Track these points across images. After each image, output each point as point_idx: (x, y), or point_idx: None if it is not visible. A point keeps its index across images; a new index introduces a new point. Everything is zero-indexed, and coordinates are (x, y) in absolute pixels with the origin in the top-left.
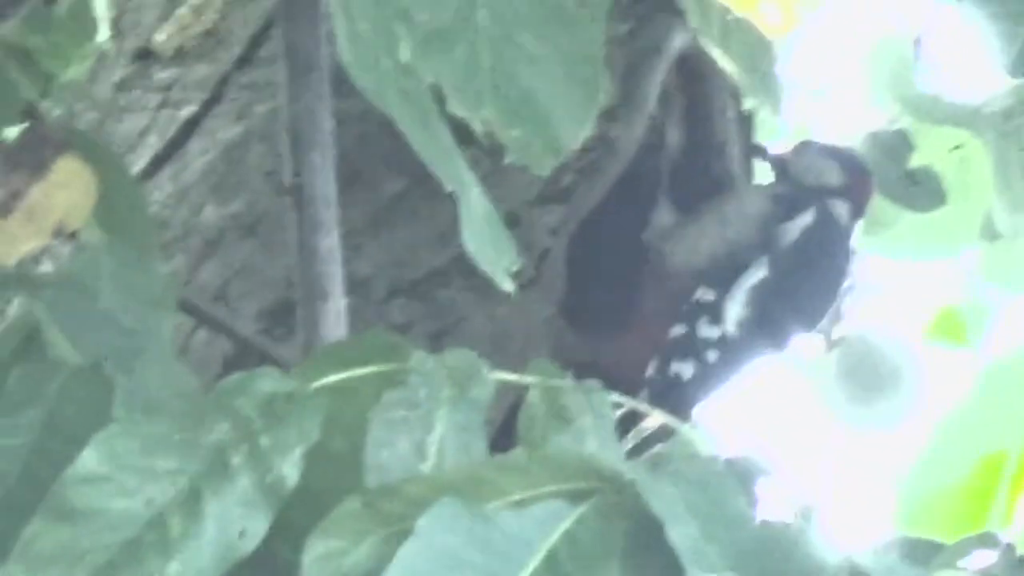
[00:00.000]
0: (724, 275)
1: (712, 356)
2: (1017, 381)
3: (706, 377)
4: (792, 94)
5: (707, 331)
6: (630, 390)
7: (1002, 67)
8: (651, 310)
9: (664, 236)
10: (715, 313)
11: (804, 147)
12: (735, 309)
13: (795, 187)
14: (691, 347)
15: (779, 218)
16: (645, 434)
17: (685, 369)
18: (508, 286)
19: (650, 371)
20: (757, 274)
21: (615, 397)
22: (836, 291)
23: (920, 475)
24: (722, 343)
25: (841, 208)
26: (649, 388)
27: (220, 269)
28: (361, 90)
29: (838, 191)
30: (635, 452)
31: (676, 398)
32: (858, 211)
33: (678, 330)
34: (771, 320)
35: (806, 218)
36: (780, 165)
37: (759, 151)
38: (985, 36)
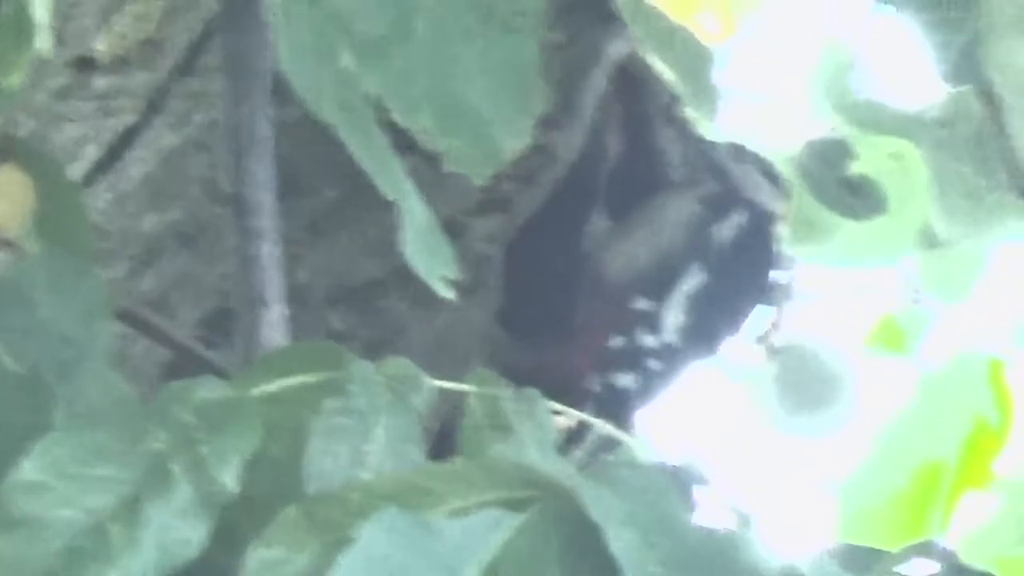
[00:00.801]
0: (660, 283)
1: (653, 365)
2: (955, 389)
3: (648, 386)
4: (730, 102)
5: (646, 340)
6: (571, 399)
7: (940, 75)
8: (590, 320)
9: (600, 245)
10: (653, 322)
11: (739, 154)
12: (673, 316)
13: (726, 188)
14: (631, 358)
15: (709, 221)
16: (591, 446)
17: (627, 380)
18: (447, 294)
19: (592, 384)
20: (692, 281)
21: (555, 406)
22: (765, 291)
23: (859, 483)
24: (662, 351)
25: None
26: (592, 401)
27: (159, 278)
28: (301, 98)
29: (770, 211)
30: (579, 463)
31: (619, 408)
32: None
33: (617, 341)
34: (709, 326)
35: (737, 219)
36: (714, 164)
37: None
38: (923, 44)
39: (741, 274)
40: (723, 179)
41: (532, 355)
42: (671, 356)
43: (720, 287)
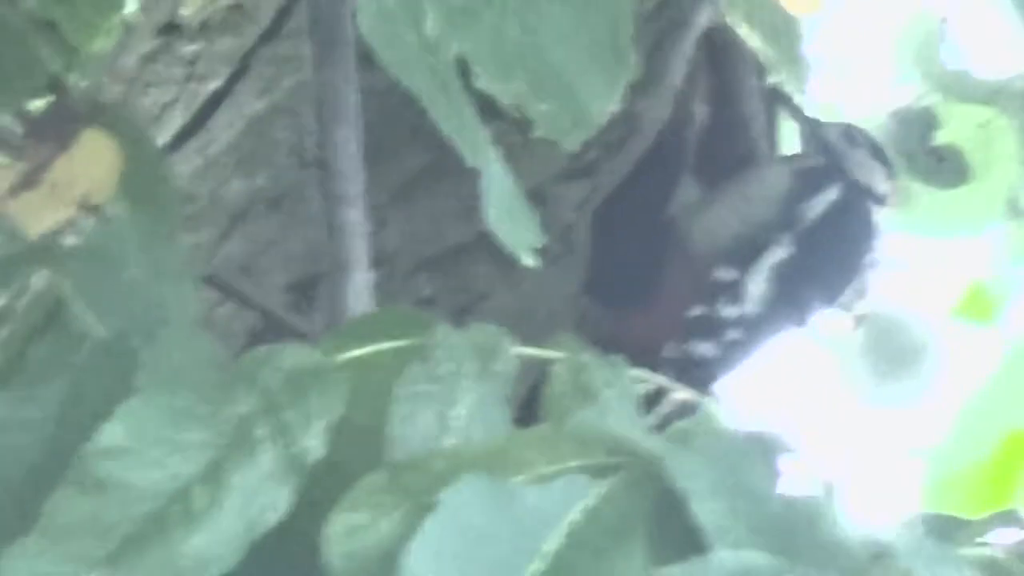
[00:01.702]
0: (746, 254)
1: (733, 335)
2: None
3: (727, 356)
4: (818, 71)
5: (727, 311)
6: (652, 366)
7: None
8: (674, 289)
9: (688, 214)
10: (735, 292)
11: (850, 136)
12: (756, 288)
13: (821, 161)
14: (711, 327)
15: (803, 195)
16: (667, 411)
17: (706, 349)
18: (531, 262)
19: (670, 351)
20: (780, 252)
21: (639, 372)
22: (859, 266)
23: (945, 452)
24: (743, 322)
25: (867, 182)
26: (670, 368)
27: (245, 243)
28: (384, 64)
29: (872, 192)
30: (658, 428)
31: (697, 377)
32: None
33: (699, 310)
34: (793, 298)
35: (830, 194)
36: (822, 141)
37: (797, 112)
38: (1011, 14)
39: (832, 249)
40: (823, 152)
41: (616, 322)
42: (752, 326)
43: (809, 262)
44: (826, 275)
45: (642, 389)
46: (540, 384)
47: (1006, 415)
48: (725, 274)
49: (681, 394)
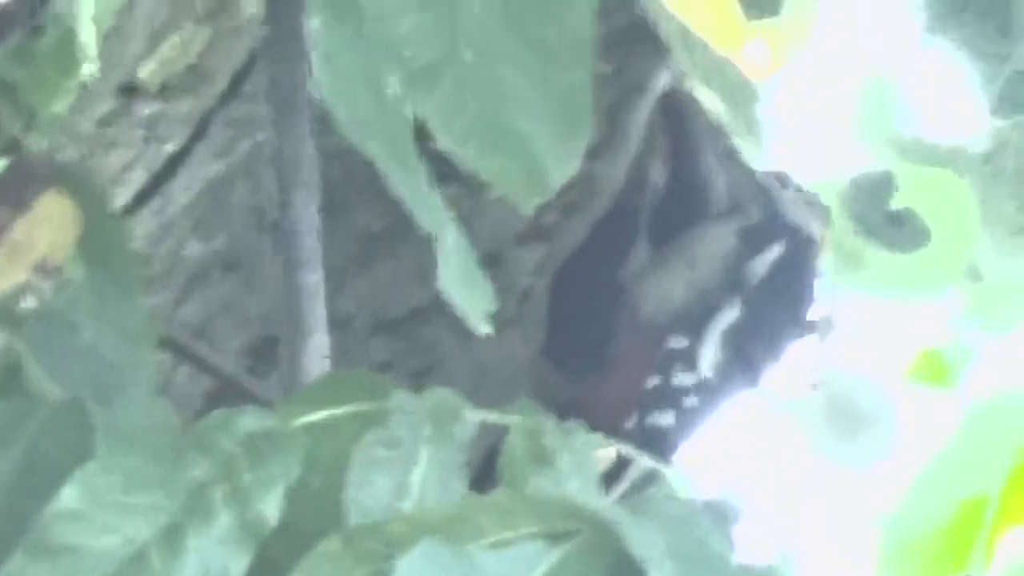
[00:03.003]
0: (696, 320)
1: (690, 402)
2: (999, 424)
3: (686, 424)
4: (777, 134)
5: (682, 379)
6: (610, 433)
7: (984, 108)
8: (627, 357)
9: (637, 279)
10: (689, 359)
11: (783, 182)
12: (709, 353)
13: (766, 217)
14: (668, 396)
15: (747, 255)
16: (628, 484)
17: (664, 418)
18: (484, 328)
19: (629, 423)
20: (729, 315)
21: (597, 437)
22: (803, 322)
23: (901, 518)
24: (699, 388)
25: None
26: (631, 440)
27: (202, 305)
28: (340, 127)
29: (810, 238)
30: (622, 499)
31: (657, 447)
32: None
33: (653, 380)
34: (746, 360)
35: (775, 251)
36: (758, 191)
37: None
38: (968, 76)
39: (778, 307)
40: (766, 207)
41: (574, 388)
42: (709, 391)
43: (757, 321)
44: (776, 333)
45: (603, 458)
46: (497, 449)
47: (964, 481)
48: (677, 343)
49: (641, 462)
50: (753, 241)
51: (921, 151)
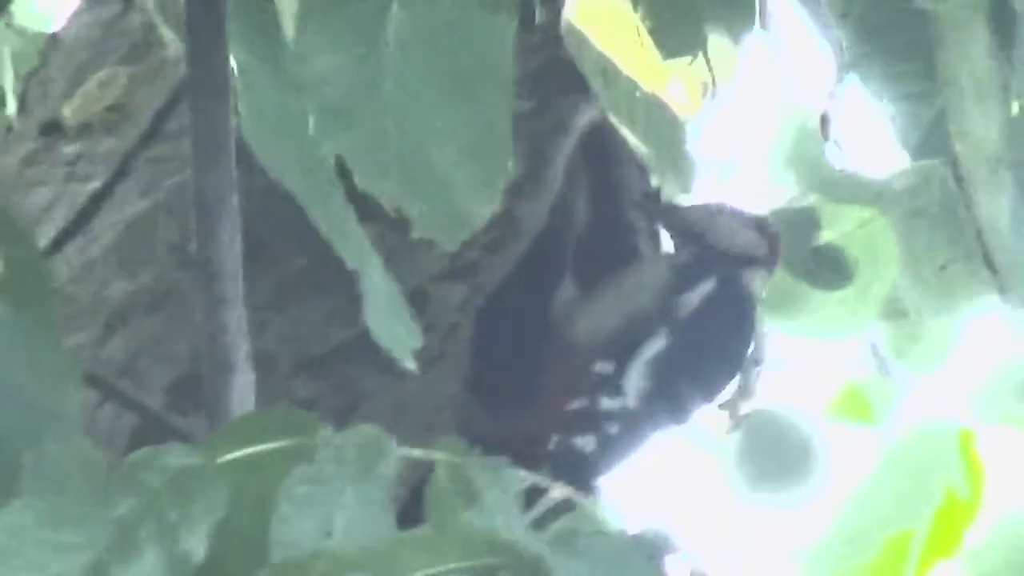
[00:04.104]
0: (623, 347)
1: (613, 429)
2: (925, 460)
3: (608, 450)
4: (700, 172)
5: (608, 404)
6: (535, 462)
7: (906, 148)
8: (554, 385)
9: (568, 311)
10: (615, 386)
11: (718, 209)
12: (635, 381)
13: (699, 253)
14: (592, 420)
15: (679, 288)
16: (548, 506)
17: (587, 443)
18: (410, 364)
19: (552, 445)
20: (656, 345)
21: (518, 471)
22: (740, 361)
23: (826, 554)
24: (623, 415)
25: (749, 275)
26: (551, 461)
27: (127, 343)
28: (263, 166)
29: (751, 257)
30: (539, 524)
31: (578, 471)
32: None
33: (579, 403)
34: (672, 392)
35: (707, 287)
36: (688, 225)
37: (665, 211)
38: (889, 116)
39: (711, 343)
40: (701, 242)
41: (498, 422)
42: (632, 421)
43: (686, 355)
44: (705, 369)
45: (522, 486)
46: (423, 486)
47: (889, 517)
48: (604, 367)
49: (560, 491)
50: (686, 276)
51: (844, 188)
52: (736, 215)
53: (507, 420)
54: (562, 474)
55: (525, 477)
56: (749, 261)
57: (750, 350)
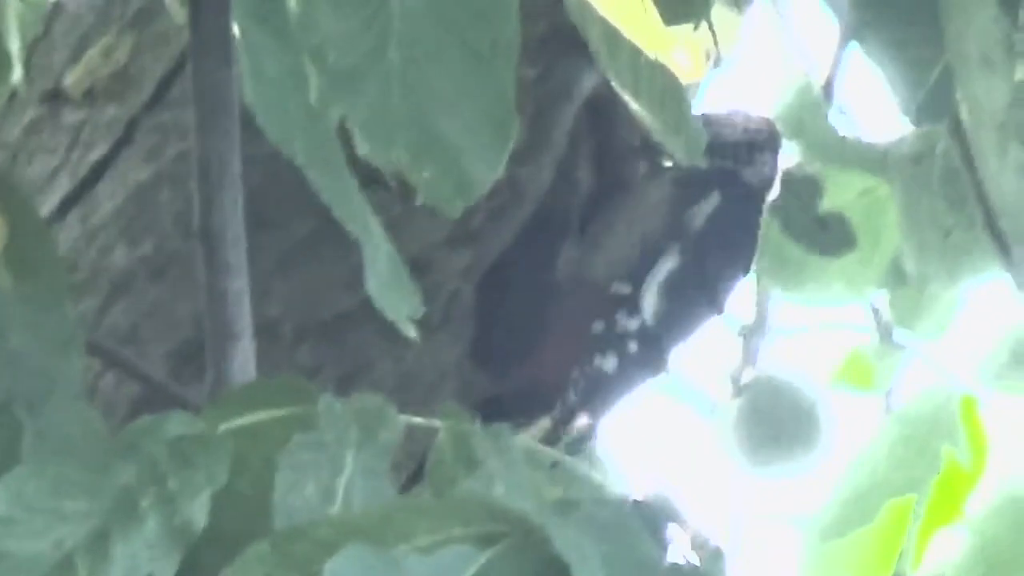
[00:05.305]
0: (638, 267)
1: (633, 347)
2: (924, 427)
3: (629, 369)
4: (703, 138)
5: (626, 323)
6: (559, 393)
7: (907, 114)
8: (569, 318)
9: (577, 254)
10: (632, 305)
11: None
12: (651, 299)
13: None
14: (611, 340)
15: (685, 202)
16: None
17: (608, 363)
18: (411, 332)
19: (574, 372)
20: (669, 263)
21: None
22: (748, 265)
23: (827, 520)
24: (641, 333)
25: (750, 175)
26: (574, 387)
27: (129, 311)
28: (265, 132)
29: (749, 142)
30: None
31: (602, 392)
32: (769, 165)
33: (598, 326)
34: (687, 307)
35: (713, 199)
36: None
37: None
38: (892, 82)
39: (722, 254)
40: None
41: (504, 383)
42: (650, 338)
43: (700, 269)
44: (718, 281)
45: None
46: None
47: (890, 483)
48: (620, 288)
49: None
50: (691, 189)
51: (847, 154)
52: (728, 114)
53: (524, 370)
54: (587, 397)
55: (527, 442)
56: (749, 147)
57: (756, 254)
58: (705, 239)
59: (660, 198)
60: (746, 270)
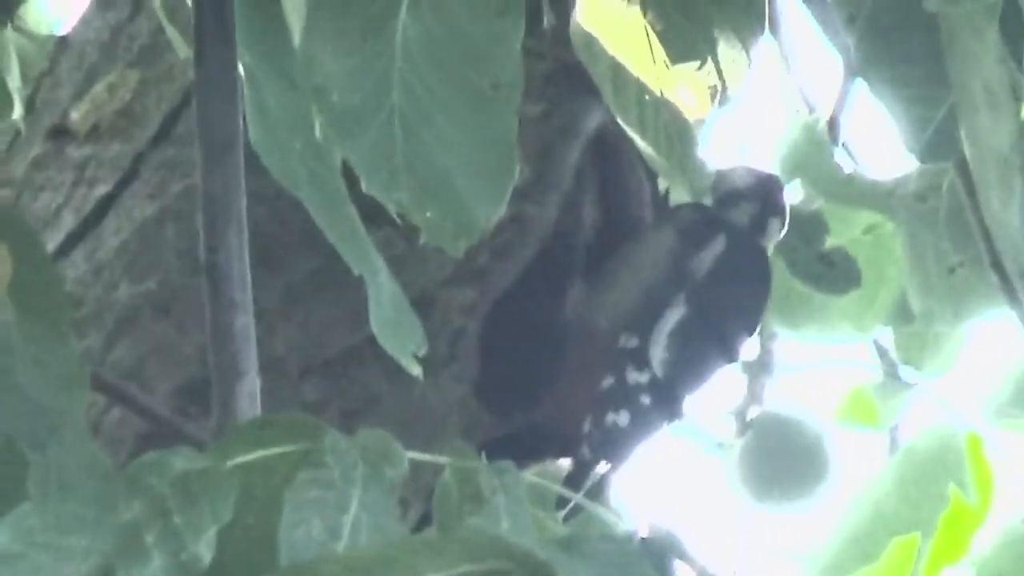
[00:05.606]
0: (645, 319)
1: (646, 400)
2: (930, 465)
3: (642, 421)
4: (709, 176)
5: (636, 376)
6: (572, 448)
7: (912, 152)
8: (578, 369)
9: (582, 301)
10: (641, 358)
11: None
12: (660, 351)
13: (702, 210)
14: (623, 395)
15: (689, 250)
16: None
17: (621, 418)
18: (415, 370)
19: (586, 426)
20: (676, 313)
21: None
22: (759, 314)
23: (832, 558)
24: (653, 386)
25: (755, 222)
26: (588, 442)
27: (134, 347)
28: (269, 170)
29: (745, 196)
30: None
31: (616, 447)
32: (773, 212)
33: (608, 381)
34: (698, 356)
35: (717, 245)
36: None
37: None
38: (897, 120)
39: (730, 301)
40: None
41: (521, 417)
42: (662, 390)
43: (707, 317)
44: (726, 328)
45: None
46: None
47: (896, 521)
48: (628, 341)
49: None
50: (694, 237)
51: (851, 192)
52: (732, 168)
53: (531, 414)
54: (601, 452)
55: (529, 482)
56: (751, 199)
57: (767, 302)
58: (711, 289)
59: (665, 247)
60: (757, 319)
